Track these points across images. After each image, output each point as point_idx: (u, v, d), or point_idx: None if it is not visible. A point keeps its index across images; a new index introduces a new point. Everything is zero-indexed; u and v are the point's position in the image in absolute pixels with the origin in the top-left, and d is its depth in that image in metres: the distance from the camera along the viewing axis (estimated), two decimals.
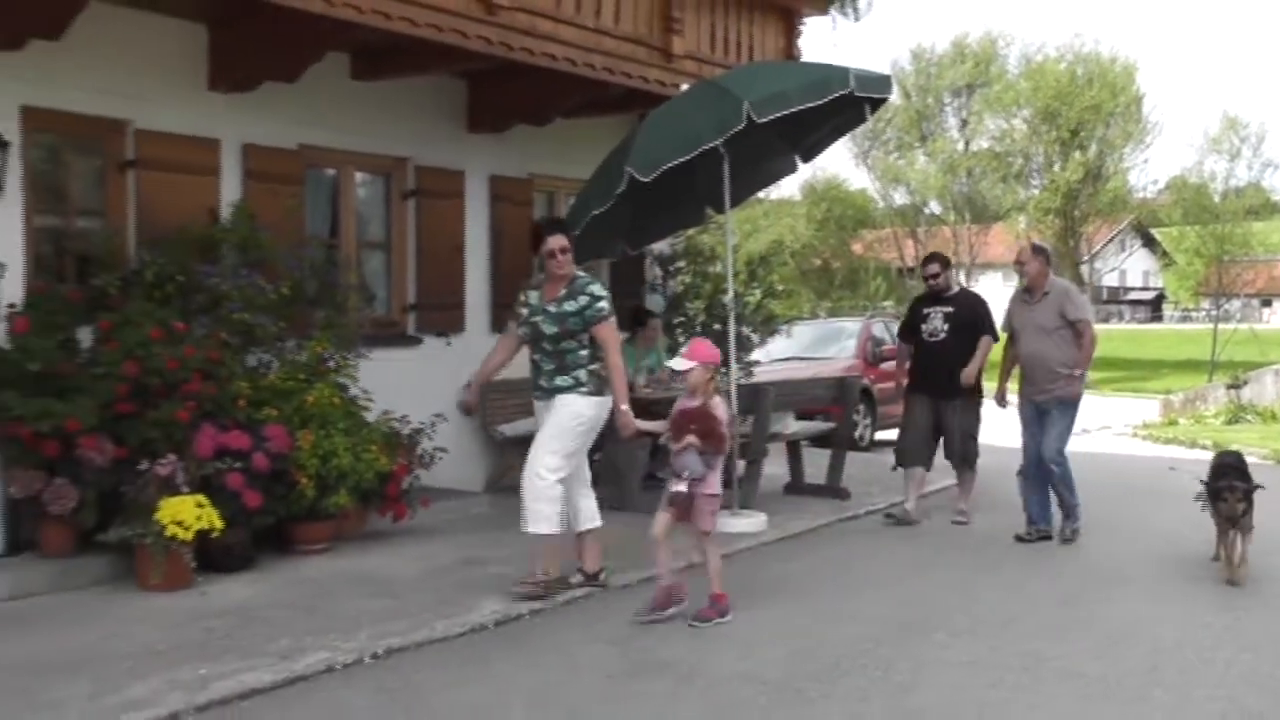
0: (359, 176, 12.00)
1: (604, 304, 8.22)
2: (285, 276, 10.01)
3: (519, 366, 12.65)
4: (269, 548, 9.12)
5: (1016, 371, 10.68)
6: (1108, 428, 21.96)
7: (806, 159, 12.09)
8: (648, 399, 11.43)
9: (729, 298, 11.39)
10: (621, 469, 11.34)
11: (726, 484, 11.31)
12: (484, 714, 6.09)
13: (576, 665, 6.85)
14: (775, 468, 12.49)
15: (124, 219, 9.78)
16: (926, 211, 54.88)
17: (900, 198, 55.23)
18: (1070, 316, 10.25)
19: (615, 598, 8.15)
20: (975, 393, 11.19)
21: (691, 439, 7.48)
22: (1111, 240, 59.02)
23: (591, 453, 12.93)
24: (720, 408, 7.68)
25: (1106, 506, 12.15)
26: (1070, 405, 10.31)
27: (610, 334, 8.22)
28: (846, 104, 10.56)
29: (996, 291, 11.06)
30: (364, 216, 12.13)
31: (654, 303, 14.56)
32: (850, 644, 7.25)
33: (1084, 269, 49.56)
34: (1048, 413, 10.28)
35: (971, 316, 11.20)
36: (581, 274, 8.39)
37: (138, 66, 9.72)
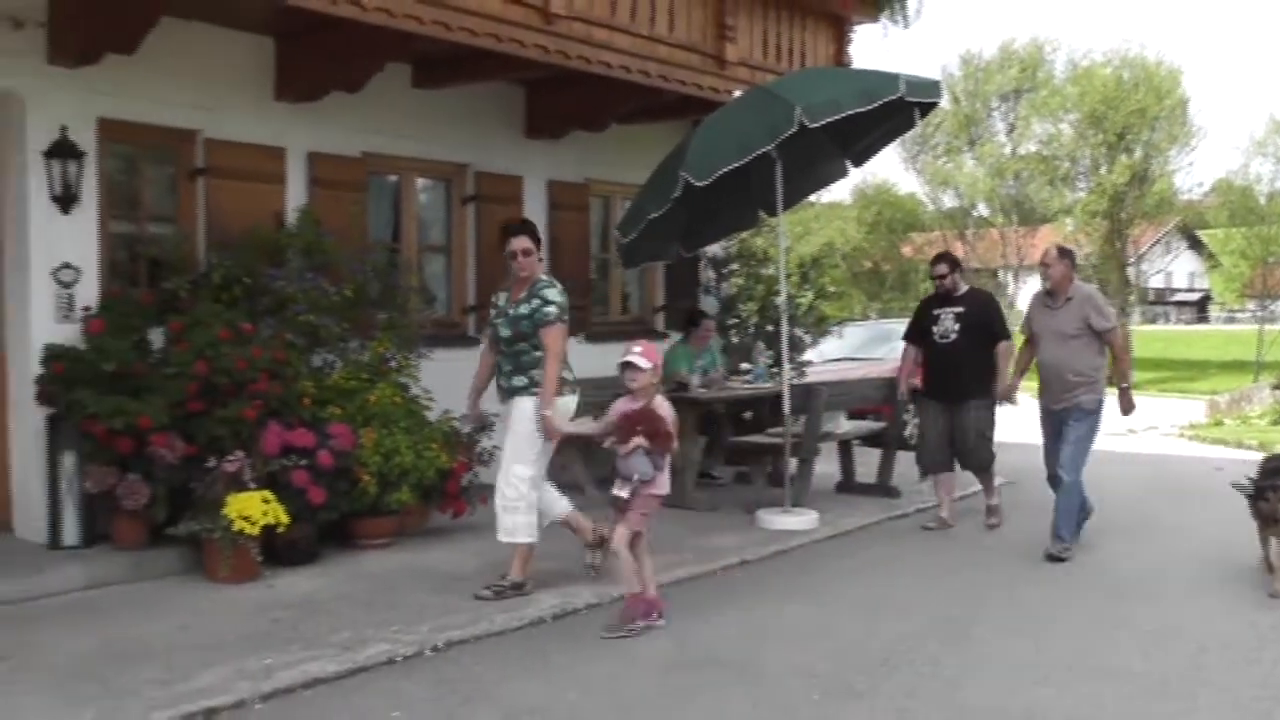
0: (420, 182, 12.23)
1: (552, 308, 8.12)
2: (349, 279, 10.21)
3: (575, 366, 12.89)
4: (333, 542, 9.29)
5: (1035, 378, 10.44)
6: (1154, 428, 21.88)
7: (857, 163, 12.07)
8: (703, 398, 11.59)
9: (782, 299, 11.53)
10: (676, 466, 11.44)
11: (778, 483, 11.50)
12: (542, 705, 6.16)
13: (633, 658, 6.95)
14: (827, 466, 12.55)
15: (194, 225, 10.03)
16: (975, 214, 54.62)
17: (949, 201, 54.98)
18: (1097, 327, 9.84)
19: (669, 594, 8.26)
20: (988, 393, 10.79)
21: (640, 440, 7.39)
22: (1158, 242, 58.50)
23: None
24: (664, 407, 7.57)
25: (1151, 506, 12.24)
26: (1089, 413, 9.84)
27: (553, 339, 8.11)
28: (897, 109, 10.60)
29: None
30: (425, 221, 12.35)
31: (708, 304, 14.68)
32: (899, 640, 7.33)
33: (1130, 271, 49.13)
34: (1066, 421, 9.89)
35: (983, 317, 10.93)
36: (544, 277, 8.33)
37: (207, 78, 9.96)
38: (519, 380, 8.21)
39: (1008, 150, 52.15)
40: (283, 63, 10.44)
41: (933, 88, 10.94)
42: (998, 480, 11.34)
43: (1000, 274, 52.32)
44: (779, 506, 10.87)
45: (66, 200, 9.09)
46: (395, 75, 11.01)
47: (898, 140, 12.07)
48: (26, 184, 9.02)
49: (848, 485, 12.71)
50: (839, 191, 58.25)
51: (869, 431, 13.21)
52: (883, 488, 12.38)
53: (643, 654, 7.05)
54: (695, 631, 7.51)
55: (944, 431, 11.04)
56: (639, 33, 11.58)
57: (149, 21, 8.91)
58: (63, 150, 9.05)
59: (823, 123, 9.92)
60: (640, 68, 11.55)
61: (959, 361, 10.79)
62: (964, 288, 11.20)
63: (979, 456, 11.08)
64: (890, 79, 10.33)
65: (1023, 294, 47.88)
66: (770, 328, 14.18)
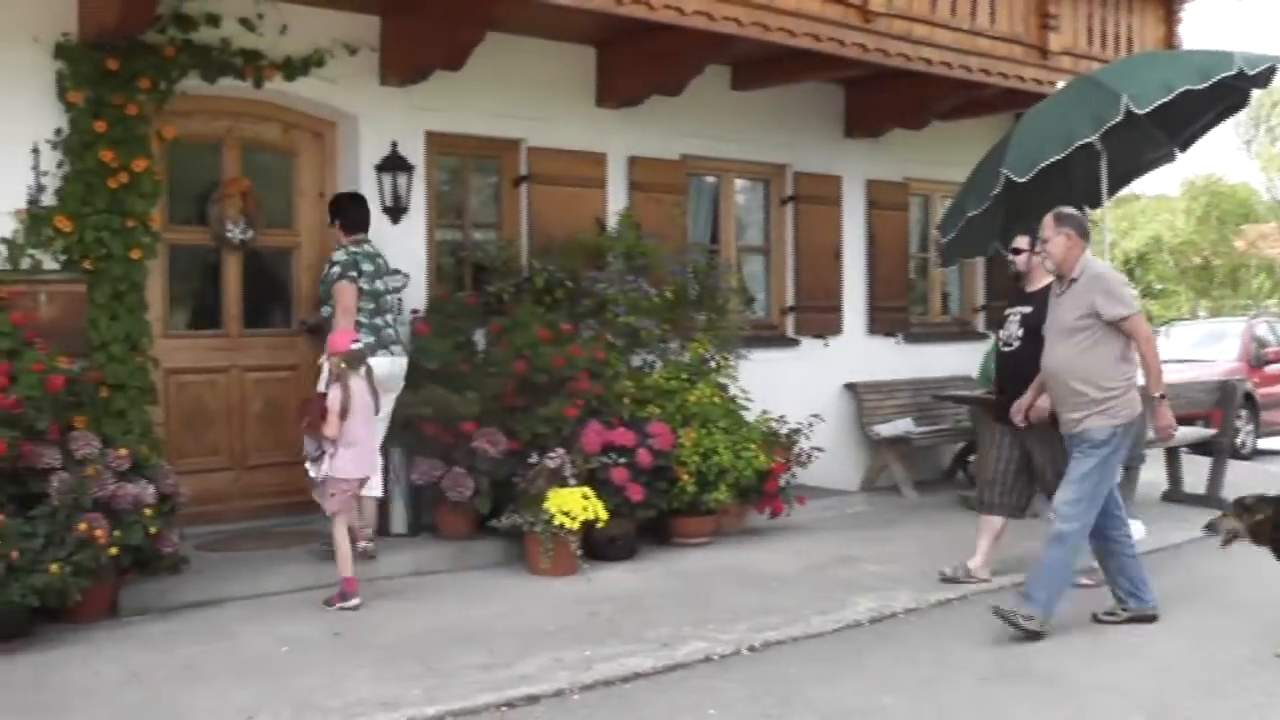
0: (739, 183, 12.30)
1: (336, 267, 8.35)
2: (668, 281, 10.37)
3: (892, 368, 12.80)
4: (650, 539, 9.42)
5: None
6: None
7: (1184, 149, 11.36)
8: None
9: None
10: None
11: None
12: (858, 709, 6.09)
13: (949, 665, 6.83)
14: (1152, 474, 11.87)
15: (517, 230, 10.35)
16: None
17: None
18: (1106, 315, 7.28)
19: (992, 600, 8.09)
20: None
21: (306, 423, 7.81)
22: None
23: (965, 454, 12.91)
24: (331, 395, 7.69)
25: None
26: (1098, 445, 7.39)
27: (339, 294, 8.26)
28: (1229, 89, 9.98)
29: None
30: (743, 222, 12.42)
31: None
32: (1229, 666, 6.86)
33: None
34: (1071, 454, 7.52)
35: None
36: (348, 246, 8.47)
37: (530, 89, 10.26)
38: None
39: None
40: (604, 70, 10.68)
41: (1271, 64, 10.03)
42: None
43: None
44: None
45: (397, 210, 9.56)
46: (714, 77, 11.11)
47: (1231, 125, 11.41)
48: None
49: (1175, 495, 12.16)
50: (1166, 183, 55.77)
51: (1198, 438, 12.56)
52: (1213, 499, 11.70)
53: (959, 661, 6.91)
54: (1014, 642, 7.26)
55: (1008, 460, 8.61)
56: (959, 27, 11.38)
57: (476, 39, 9.24)
58: (393, 164, 9.53)
59: (1151, 108, 9.52)
60: (961, 63, 11.35)
61: (1022, 375, 8.27)
62: (1043, 280, 8.40)
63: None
64: (1224, 57, 9.72)
65: None
66: None
